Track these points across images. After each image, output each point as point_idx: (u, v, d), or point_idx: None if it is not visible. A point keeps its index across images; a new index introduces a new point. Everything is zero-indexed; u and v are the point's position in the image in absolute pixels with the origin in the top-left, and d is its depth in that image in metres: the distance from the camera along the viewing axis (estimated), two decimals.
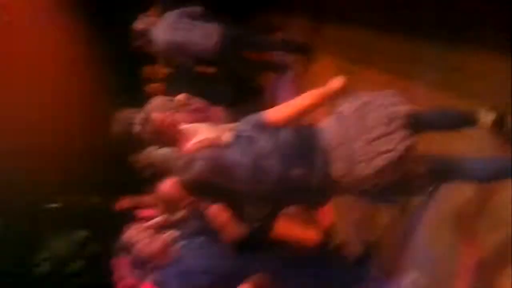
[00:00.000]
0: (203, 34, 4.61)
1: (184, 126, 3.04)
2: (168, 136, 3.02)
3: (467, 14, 2.86)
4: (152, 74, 5.84)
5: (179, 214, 3.27)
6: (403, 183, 2.10)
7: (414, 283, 2.64)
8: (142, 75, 5.91)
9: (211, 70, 5.24)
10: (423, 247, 2.71)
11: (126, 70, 6.23)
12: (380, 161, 2.00)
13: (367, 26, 4.06)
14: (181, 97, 4.32)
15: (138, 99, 4.24)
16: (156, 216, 3.73)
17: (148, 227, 3.40)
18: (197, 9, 4.76)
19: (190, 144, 2.70)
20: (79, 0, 6.41)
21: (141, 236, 3.14)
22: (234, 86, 5.51)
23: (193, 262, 2.85)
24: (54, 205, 6.95)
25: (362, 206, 3.36)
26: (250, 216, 2.12)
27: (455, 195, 2.56)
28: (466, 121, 2.34)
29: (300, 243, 2.99)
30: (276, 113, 2.17)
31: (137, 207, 4.50)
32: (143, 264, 3.02)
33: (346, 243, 3.29)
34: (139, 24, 4.79)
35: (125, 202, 4.67)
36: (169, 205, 3.13)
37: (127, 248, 3.30)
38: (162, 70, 5.63)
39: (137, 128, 3.09)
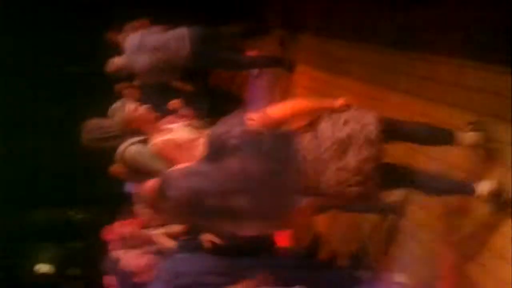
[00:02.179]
0: (175, 38, 4.66)
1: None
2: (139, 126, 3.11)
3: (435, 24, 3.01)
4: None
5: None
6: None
7: (401, 285, 2.78)
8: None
9: (188, 87, 5.24)
10: (406, 251, 2.85)
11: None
12: (346, 189, 2.14)
13: (342, 36, 4.18)
14: (175, 103, 4.50)
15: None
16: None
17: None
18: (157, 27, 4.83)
19: None
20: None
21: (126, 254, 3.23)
22: (211, 99, 5.55)
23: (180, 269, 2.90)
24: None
25: (347, 216, 3.48)
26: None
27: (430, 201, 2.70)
28: (444, 138, 2.43)
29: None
30: (268, 114, 2.20)
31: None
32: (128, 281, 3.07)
33: (334, 252, 3.41)
34: (111, 67, 4.83)
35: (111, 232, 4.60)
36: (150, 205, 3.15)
37: (113, 267, 3.37)
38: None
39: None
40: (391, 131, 2.27)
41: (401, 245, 2.91)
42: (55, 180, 6.53)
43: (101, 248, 3.99)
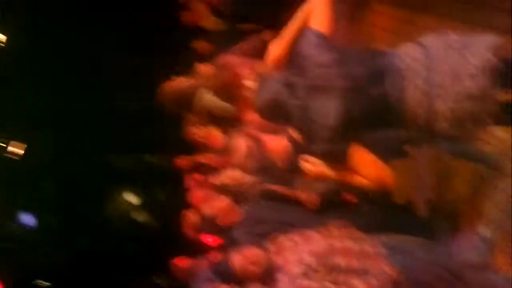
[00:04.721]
0: None
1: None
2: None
3: None
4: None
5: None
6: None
7: (484, 240, 2.60)
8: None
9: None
10: (494, 203, 2.65)
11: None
12: (460, 103, 1.83)
13: None
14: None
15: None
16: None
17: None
18: None
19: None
20: None
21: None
22: None
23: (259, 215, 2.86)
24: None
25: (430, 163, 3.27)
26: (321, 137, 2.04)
27: None
28: None
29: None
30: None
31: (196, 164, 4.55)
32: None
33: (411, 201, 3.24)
34: None
35: (184, 160, 4.71)
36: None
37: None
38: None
39: None
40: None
41: (489, 197, 2.71)
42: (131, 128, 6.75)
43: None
